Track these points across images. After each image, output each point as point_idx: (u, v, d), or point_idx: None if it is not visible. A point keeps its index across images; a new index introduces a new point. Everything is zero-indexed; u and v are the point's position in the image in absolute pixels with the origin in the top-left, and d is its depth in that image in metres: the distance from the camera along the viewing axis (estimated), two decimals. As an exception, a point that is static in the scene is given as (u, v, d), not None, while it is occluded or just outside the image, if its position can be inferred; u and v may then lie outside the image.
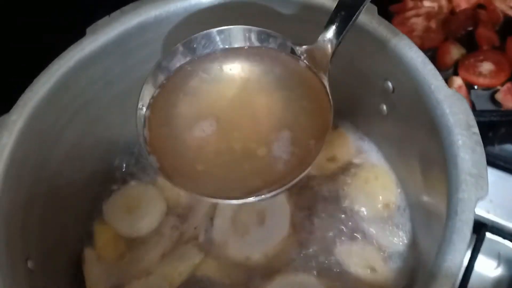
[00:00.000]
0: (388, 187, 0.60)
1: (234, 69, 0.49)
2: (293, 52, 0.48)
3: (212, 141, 0.45)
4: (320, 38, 0.47)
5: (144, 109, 0.47)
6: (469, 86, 0.74)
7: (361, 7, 0.45)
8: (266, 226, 0.59)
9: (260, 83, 0.48)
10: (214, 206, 0.62)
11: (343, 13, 0.45)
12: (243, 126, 0.46)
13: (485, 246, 0.62)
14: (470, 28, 0.78)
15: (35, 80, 0.50)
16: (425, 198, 0.52)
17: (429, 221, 0.50)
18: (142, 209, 0.62)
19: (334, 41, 0.46)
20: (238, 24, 0.49)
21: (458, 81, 0.73)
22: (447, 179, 0.43)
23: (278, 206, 0.60)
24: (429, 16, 0.79)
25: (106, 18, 0.54)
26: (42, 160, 0.51)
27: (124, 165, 0.67)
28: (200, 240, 0.60)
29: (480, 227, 0.63)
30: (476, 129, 0.44)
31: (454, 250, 0.39)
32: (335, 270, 0.57)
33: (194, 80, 0.48)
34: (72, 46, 0.52)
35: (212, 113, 0.47)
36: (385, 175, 0.61)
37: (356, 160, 0.63)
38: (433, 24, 0.78)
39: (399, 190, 0.60)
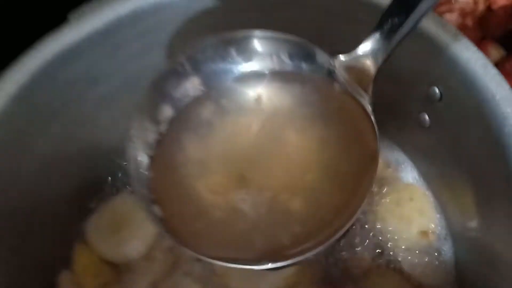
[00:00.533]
0: (425, 211, 0.51)
1: (257, 98, 0.38)
2: (328, 70, 0.38)
3: (231, 191, 0.35)
4: (362, 46, 0.37)
5: (139, 146, 0.36)
6: (510, 93, 0.65)
7: (427, 7, 0.33)
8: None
9: (290, 116, 0.37)
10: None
11: (398, 15, 0.34)
12: (270, 171, 0.36)
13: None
14: (511, 27, 0.69)
15: (2, 76, 0.42)
16: (479, 231, 0.43)
17: (484, 261, 0.41)
18: (131, 229, 0.54)
19: (382, 54, 0.36)
20: (256, 19, 0.38)
21: (498, 87, 0.64)
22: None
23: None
24: (464, 12, 0.70)
25: (93, 2, 0.46)
26: (10, 175, 0.43)
27: (110, 177, 0.58)
28: (198, 269, 0.52)
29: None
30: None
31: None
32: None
33: (207, 111, 0.38)
34: (50, 35, 0.44)
35: (231, 154, 0.36)
36: (422, 197, 0.52)
37: (385, 176, 0.54)
38: (469, 22, 0.70)
39: (438, 215, 0.51)
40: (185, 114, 0.37)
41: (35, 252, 0.48)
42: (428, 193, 0.53)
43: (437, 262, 0.49)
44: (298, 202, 0.35)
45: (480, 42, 0.69)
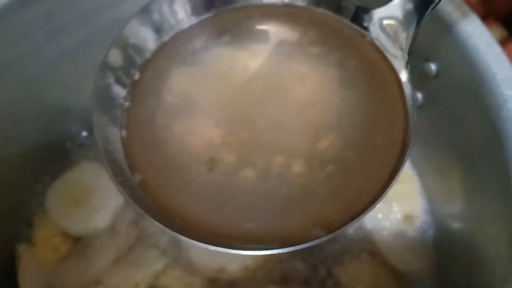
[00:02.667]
0: (411, 196, 0.49)
1: (263, 33, 0.31)
2: (355, 20, 0.32)
3: (221, 144, 0.28)
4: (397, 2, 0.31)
5: (115, 90, 0.29)
6: None
7: None
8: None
9: (300, 63, 0.30)
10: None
11: None
12: (271, 125, 0.29)
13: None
14: (514, 7, 0.66)
15: None
16: (462, 217, 0.41)
17: (466, 249, 0.39)
18: (94, 200, 0.51)
19: (424, 6, 0.31)
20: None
21: (496, 68, 0.61)
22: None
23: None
24: (467, -13, 0.66)
25: None
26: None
27: (72, 142, 0.55)
28: (163, 242, 0.49)
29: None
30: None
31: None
32: (334, 291, 0.46)
33: (198, 43, 0.31)
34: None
35: (223, 97, 0.29)
36: (409, 180, 0.49)
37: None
38: (473, -1, 0.66)
39: (423, 200, 0.49)
40: (169, 47, 0.30)
41: None
42: (414, 176, 0.50)
43: (417, 248, 0.47)
44: (304, 172, 0.28)
45: (482, 21, 0.65)
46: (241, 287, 0.46)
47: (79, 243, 0.50)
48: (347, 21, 0.32)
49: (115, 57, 0.31)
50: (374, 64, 0.31)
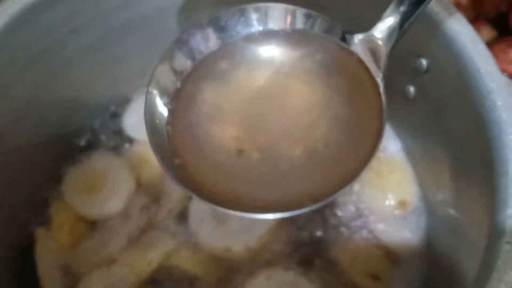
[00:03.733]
0: (404, 184, 0.52)
1: (271, 55, 0.39)
2: (343, 40, 0.39)
3: (243, 139, 0.37)
4: (378, 25, 0.37)
5: (162, 98, 0.37)
6: (497, 73, 0.65)
7: None
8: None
9: (301, 74, 0.39)
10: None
11: None
12: (279, 121, 0.37)
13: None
14: (503, 9, 0.69)
15: None
16: (451, 202, 0.44)
17: (454, 231, 0.42)
18: (108, 187, 0.54)
19: (396, 31, 0.37)
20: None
21: (485, 66, 0.64)
22: (494, 188, 0.35)
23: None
24: (459, -11, 0.69)
25: None
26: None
27: (89, 132, 0.58)
28: (173, 226, 0.52)
29: None
30: (534, 130, 0.36)
31: (498, 279, 0.31)
32: (330, 272, 0.49)
33: (223, 65, 0.39)
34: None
35: (242, 104, 0.38)
36: (403, 170, 0.53)
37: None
38: (463, 0, 0.69)
39: (416, 188, 0.52)
40: (202, 66, 0.39)
41: (10, 205, 0.48)
42: (408, 166, 0.53)
43: (410, 233, 0.50)
44: (302, 154, 0.36)
45: (473, 22, 0.68)
46: (243, 266, 0.50)
47: (93, 227, 0.53)
48: (337, 40, 0.39)
49: (161, 72, 0.37)
50: (358, 76, 0.38)
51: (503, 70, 0.63)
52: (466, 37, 0.39)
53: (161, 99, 0.37)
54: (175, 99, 0.38)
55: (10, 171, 0.47)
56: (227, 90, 0.39)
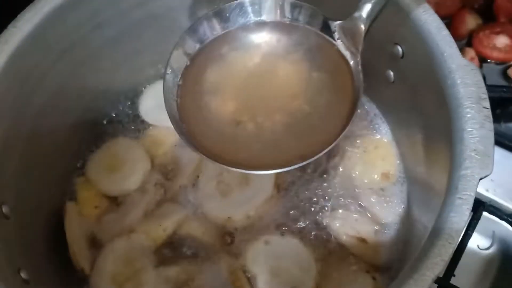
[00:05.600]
0: (387, 158, 0.58)
1: (263, 41, 0.48)
2: (326, 27, 0.46)
3: (238, 109, 0.45)
4: (355, 14, 0.44)
5: (175, 76, 0.46)
6: (482, 59, 0.70)
7: None
8: (250, 188, 0.57)
9: (287, 56, 0.47)
10: (199, 166, 0.60)
11: None
12: (269, 95, 0.46)
13: (480, 224, 0.60)
14: (490, -2, 0.74)
15: (19, 16, 0.47)
16: (425, 173, 0.50)
17: (428, 197, 0.48)
18: (127, 167, 0.60)
19: (370, 18, 0.44)
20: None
21: (470, 52, 0.69)
22: (451, 154, 0.40)
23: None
24: (446, -20, 0.74)
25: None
26: (23, 102, 0.48)
27: (110, 117, 0.64)
28: (183, 199, 0.59)
29: (478, 205, 0.61)
30: (487, 104, 0.41)
31: (450, 229, 0.37)
32: (322, 236, 0.55)
33: (224, 49, 0.48)
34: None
35: (238, 80, 0.46)
36: (386, 146, 0.59)
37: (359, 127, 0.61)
38: (451, -11, 0.74)
39: (398, 162, 0.58)
40: (206, 50, 0.48)
41: (44, 183, 0.54)
42: (392, 143, 0.59)
43: (393, 201, 0.56)
44: (290, 121, 0.44)
45: (459, 11, 0.73)
46: (244, 232, 0.56)
47: (115, 201, 0.59)
48: (316, 30, 0.47)
49: (175, 56, 0.46)
50: (333, 57, 0.47)
51: (486, 56, 0.69)
52: (432, 25, 0.45)
53: (173, 77, 0.45)
54: (183, 76, 0.46)
55: (44, 152, 0.54)
56: (226, 70, 0.46)
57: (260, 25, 0.48)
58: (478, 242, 0.64)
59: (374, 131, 0.60)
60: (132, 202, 0.59)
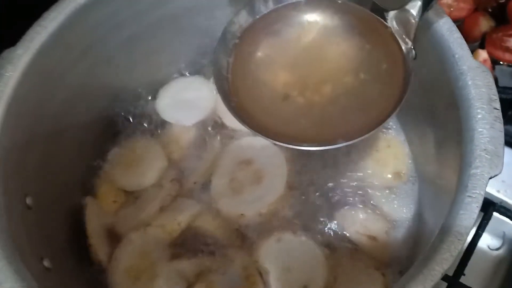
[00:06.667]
0: (399, 157, 0.59)
1: (315, 19, 0.48)
2: (379, 12, 0.47)
3: (288, 83, 0.46)
4: (410, 3, 0.45)
5: (226, 49, 0.47)
6: (494, 61, 0.70)
7: None
8: (262, 186, 0.59)
9: (339, 34, 0.48)
10: (214, 164, 0.61)
11: None
12: (319, 70, 0.46)
13: (491, 224, 0.61)
14: (502, 1, 0.74)
15: (43, 15, 0.48)
16: (436, 172, 0.51)
17: (438, 195, 0.48)
18: (143, 165, 0.62)
19: (423, 9, 0.44)
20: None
21: (483, 54, 0.70)
22: (461, 154, 0.41)
23: (277, 166, 0.59)
24: (460, -17, 0.74)
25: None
26: (45, 99, 0.50)
27: (128, 115, 0.65)
28: (197, 194, 0.60)
29: (488, 206, 0.62)
30: (497, 105, 0.42)
31: (459, 226, 0.38)
32: (333, 234, 0.56)
33: (277, 25, 0.49)
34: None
35: (291, 55, 0.47)
36: (398, 145, 0.59)
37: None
38: (464, -7, 0.74)
39: (410, 161, 0.59)
40: (258, 26, 0.48)
41: (63, 172, 0.56)
42: (404, 143, 0.60)
43: (404, 199, 0.57)
44: (338, 100, 0.45)
45: (472, 13, 0.74)
46: (256, 229, 0.57)
47: (132, 196, 0.61)
48: (369, 12, 0.47)
49: (230, 29, 0.48)
50: (385, 39, 0.47)
51: (498, 58, 0.70)
52: (444, 27, 0.45)
53: (224, 54, 0.47)
54: (234, 52, 0.47)
55: (65, 148, 0.55)
56: (278, 45, 0.48)
57: (313, 2, 0.48)
58: (488, 242, 0.65)
59: (387, 130, 0.61)
60: (149, 197, 0.60)
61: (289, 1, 0.48)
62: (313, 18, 0.48)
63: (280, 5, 0.48)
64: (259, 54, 0.47)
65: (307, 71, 0.46)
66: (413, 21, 0.44)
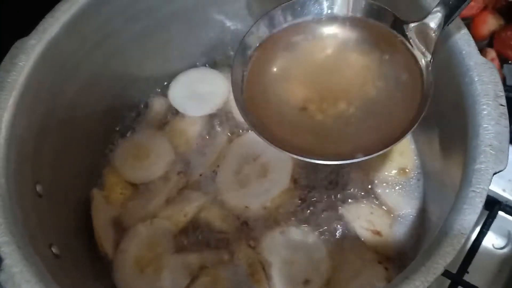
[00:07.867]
0: (405, 153, 0.59)
1: (334, 34, 0.48)
2: (398, 26, 0.46)
3: (305, 95, 0.46)
4: (429, 16, 0.44)
5: (244, 61, 0.47)
6: (503, 59, 0.70)
7: None
8: (267, 180, 0.59)
9: (358, 50, 0.47)
10: (220, 156, 0.62)
11: None
12: (336, 84, 0.46)
13: (496, 223, 0.61)
14: (512, -1, 0.74)
15: (56, 6, 0.49)
16: (441, 167, 0.51)
17: (442, 191, 0.49)
18: (151, 157, 0.63)
19: (444, 22, 0.43)
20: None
21: (491, 53, 0.69)
22: (466, 149, 0.42)
23: (282, 160, 0.60)
24: (470, -19, 0.74)
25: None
26: (58, 90, 0.51)
27: (137, 107, 0.66)
28: (203, 187, 0.61)
29: (494, 204, 0.62)
30: (503, 101, 0.42)
31: (463, 220, 0.38)
32: (337, 228, 0.57)
33: (295, 38, 0.48)
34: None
35: (308, 69, 0.47)
36: (404, 141, 0.59)
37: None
38: (473, -10, 0.74)
39: (415, 157, 0.59)
40: (278, 36, 0.48)
41: (73, 162, 0.57)
42: (409, 139, 0.60)
43: (409, 195, 0.57)
44: (356, 115, 0.44)
45: (481, 11, 0.74)
46: (260, 222, 0.58)
47: (139, 189, 0.61)
48: (388, 28, 0.47)
49: (248, 40, 0.47)
50: (403, 54, 0.46)
51: (507, 57, 0.70)
52: (451, 24, 0.45)
53: (241, 65, 0.46)
54: (250, 63, 0.47)
55: (76, 137, 0.56)
56: (296, 57, 0.47)
57: (332, 18, 0.48)
58: (493, 241, 0.65)
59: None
60: (156, 189, 0.61)
61: (309, 16, 0.48)
62: (331, 32, 0.48)
63: (300, 19, 0.48)
64: (277, 66, 0.47)
65: (325, 85, 0.46)
66: (432, 34, 0.44)
